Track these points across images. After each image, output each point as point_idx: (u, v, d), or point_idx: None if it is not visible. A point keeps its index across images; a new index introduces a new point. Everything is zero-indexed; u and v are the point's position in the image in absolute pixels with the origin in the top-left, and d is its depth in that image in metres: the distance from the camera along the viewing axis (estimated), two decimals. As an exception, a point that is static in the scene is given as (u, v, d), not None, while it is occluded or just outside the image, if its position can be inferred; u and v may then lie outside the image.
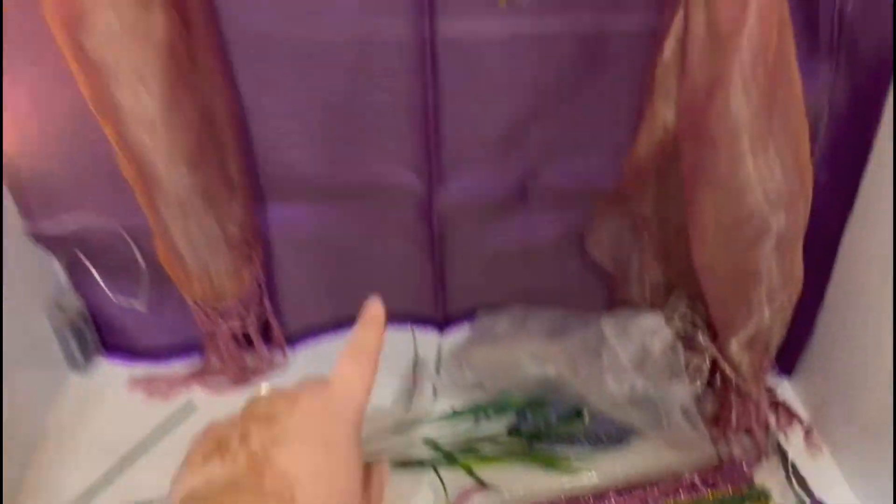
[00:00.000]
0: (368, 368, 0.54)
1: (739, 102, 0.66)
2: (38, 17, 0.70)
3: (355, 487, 0.48)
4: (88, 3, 0.64)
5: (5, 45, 0.75)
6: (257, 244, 0.91)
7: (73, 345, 0.98)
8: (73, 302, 0.97)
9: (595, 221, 0.94)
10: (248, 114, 0.83)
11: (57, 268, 0.97)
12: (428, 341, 1.05)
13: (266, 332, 0.99)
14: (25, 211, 0.89)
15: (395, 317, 1.06)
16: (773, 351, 0.84)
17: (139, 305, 0.96)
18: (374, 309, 0.59)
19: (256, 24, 0.77)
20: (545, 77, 0.83)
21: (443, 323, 1.06)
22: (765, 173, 0.70)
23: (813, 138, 0.83)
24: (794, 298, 0.80)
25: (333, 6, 0.75)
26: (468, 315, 1.06)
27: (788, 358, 0.95)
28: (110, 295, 0.96)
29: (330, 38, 0.78)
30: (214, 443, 0.46)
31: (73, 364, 1.00)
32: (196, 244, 0.81)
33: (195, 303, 0.88)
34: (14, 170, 0.85)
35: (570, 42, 0.81)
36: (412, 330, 1.07)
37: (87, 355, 1.01)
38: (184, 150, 0.73)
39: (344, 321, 1.05)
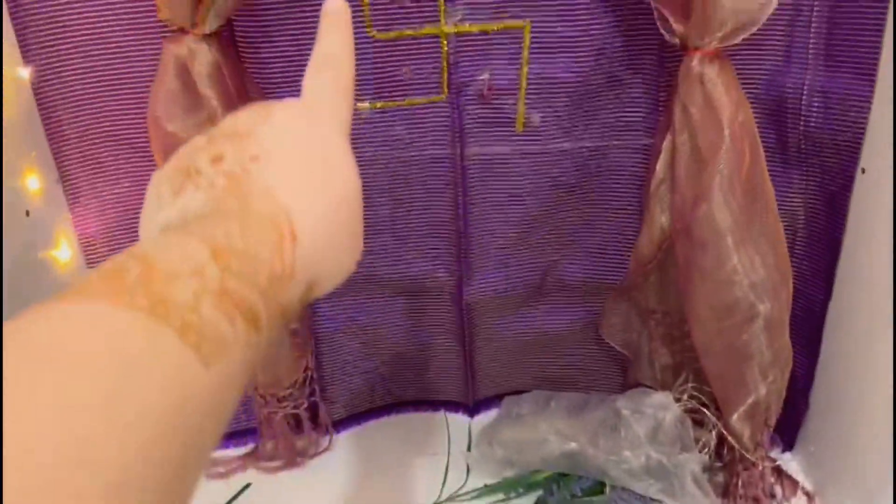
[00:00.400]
0: (342, 72, 0.43)
1: (722, 211, 0.80)
2: (134, 143, 0.86)
3: (355, 204, 0.41)
4: (183, 135, 0.80)
5: (88, 170, 0.91)
6: (311, 336, 1.03)
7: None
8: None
9: (607, 311, 1.06)
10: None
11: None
12: (460, 424, 1.15)
13: (313, 417, 1.10)
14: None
15: (429, 402, 1.17)
16: (772, 423, 0.94)
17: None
18: (333, 4, 0.44)
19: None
20: (557, 187, 0.98)
21: (473, 407, 1.17)
22: (748, 267, 0.82)
23: (793, 234, 0.97)
24: (787, 374, 0.91)
25: (387, 136, 0.91)
26: (496, 399, 1.16)
27: (789, 432, 1.05)
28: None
29: (380, 158, 0.94)
30: (182, 172, 0.38)
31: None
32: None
33: (257, 390, 1.00)
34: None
35: (577, 158, 0.96)
36: (444, 415, 1.17)
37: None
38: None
39: (384, 407, 1.16)
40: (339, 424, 1.14)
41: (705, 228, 0.81)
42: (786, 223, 0.95)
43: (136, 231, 0.85)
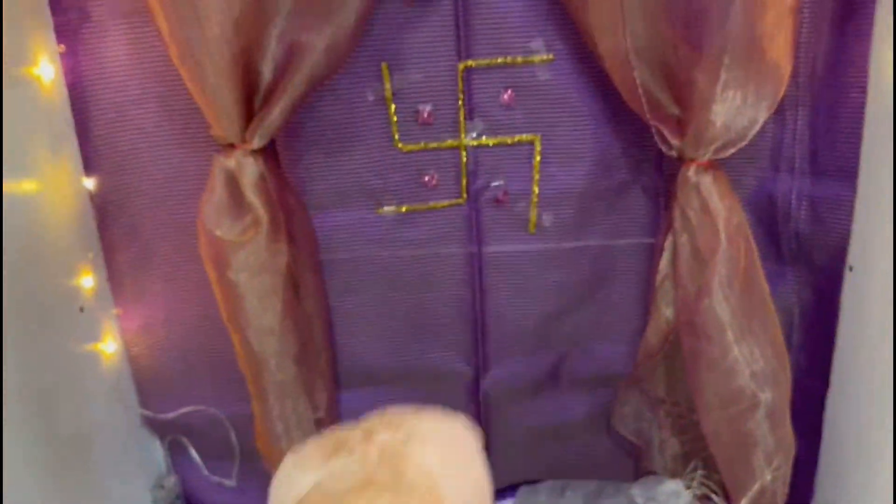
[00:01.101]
0: None
1: (722, 306, 0.87)
2: (180, 247, 0.94)
3: (488, 490, 0.45)
4: (231, 246, 0.88)
5: (154, 269, 0.99)
6: (336, 423, 1.08)
7: (169, 521, 1.12)
8: (172, 482, 1.13)
9: (618, 401, 1.11)
10: (336, 316, 1.04)
11: (160, 450, 1.14)
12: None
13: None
14: (143, 402, 1.08)
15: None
16: (778, 508, 0.98)
17: (230, 482, 1.12)
18: None
19: (345, 250, 1.02)
20: (568, 283, 1.05)
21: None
22: (749, 358, 0.89)
23: (790, 328, 1.04)
24: (791, 461, 0.96)
25: (411, 236, 1.00)
26: (512, 488, 1.19)
27: (797, 519, 1.08)
28: (205, 472, 1.12)
29: (402, 258, 1.02)
30: (334, 443, 0.43)
31: (167, 538, 1.13)
32: (290, 424, 0.99)
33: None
34: (140, 367, 1.05)
35: (586, 256, 1.04)
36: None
37: (179, 530, 1.14)
38: (291, 350, 0.93)
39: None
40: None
41: (708, 322, 0.88)
42: (783, 318, 1.02)
43: (177, 326, 0.92)
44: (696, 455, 1.06)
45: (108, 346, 0.99)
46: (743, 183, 1.00)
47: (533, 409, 1.14)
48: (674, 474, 1.09)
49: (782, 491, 0.97)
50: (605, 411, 1.13)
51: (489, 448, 1.14)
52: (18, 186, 0.83)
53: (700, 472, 1.04)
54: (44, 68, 0.86)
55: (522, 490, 1.16)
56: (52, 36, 0.87)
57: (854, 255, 0.95)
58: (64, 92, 0.89)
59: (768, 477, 0.95)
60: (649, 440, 1.11)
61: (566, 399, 1.13)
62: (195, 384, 1.07)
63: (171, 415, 1.08)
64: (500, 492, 1.20)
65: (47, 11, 0.86)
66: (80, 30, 0.88)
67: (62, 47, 0.88)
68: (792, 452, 0.96)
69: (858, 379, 0.96)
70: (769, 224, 1.01)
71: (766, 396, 0.91)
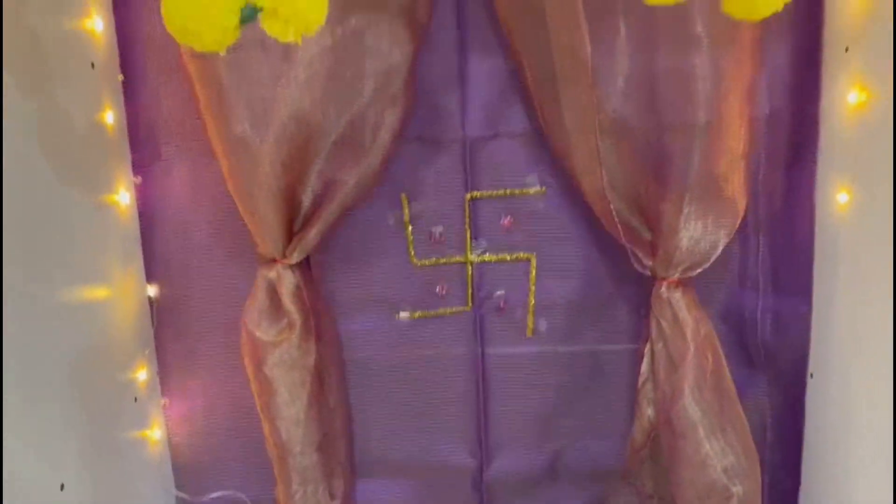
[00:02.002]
0: None
1: (692, 407, 0.99)
2: (221, 346, 1.08)
3: None
4: (268, 346, 1.03)
5: (198, 364, 1.14)
6: (351, 510, 1.19)
7: None
8: (199, 562, 1.23)
9: (610, 496, 1.21)
10: (355, 410, 1.17)
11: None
12: None
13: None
14: (179, 483, 1.20)
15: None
16: None
17: (253, 564, 1.21)
18: None
19: (365, 351, 1.16)
20: (562, 383, 1.18)
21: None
22: (720, 454, 1.00)
23: (763, 429, 1.15)
24: (765, 553, 1.05)
25: (423, 339, 1.14)
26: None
27: None
28: (232, 554, 1.22)
29: (415, 359, 1.16)
30: None
31: None
32: (311, 509, 1.10)
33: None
34: (179, 453, 1.18)
35: (578, 359, 1.17)
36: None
37: None
38: (314, 439, 1.06)
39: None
40: None
41: (681, 421, 1.00)
42: (756, 418, 1.14)
43: (214, 416, 1.05)
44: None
45: (155, 432, 1.12)
46: (715, 298, 1.14)
47: (533, 502, 1.23)
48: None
49: (758, 581, 1.05)
50: (598, 504, 1.23)
51: (492, 538, 1.23)
52: (93, 292, 0.99)
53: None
54: (122, 196, 1.04)
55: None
56: (130, 170, 1.06)
57: (814, 363, 1.08)
58: (136, 215, 1.07)
59: (743, 566, 1.03)
60: (639, 533, 1.20)
61: (563, 492, 1.23)
62: (227, 470, 1.19)
63: (203, 499, 1.20)
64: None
65: (128, 150, 1.05)
66: (152, 165, 1.07)
67: (138, 179, 1.06)
68: (765, 544, 1.05)
69: (825, 476, 1.07)
70: (740, 335, 1.14)
71: (737, 490, 1.01)
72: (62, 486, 0.84)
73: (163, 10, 0.66)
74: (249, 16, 0.66)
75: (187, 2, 0.65)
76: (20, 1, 0.82)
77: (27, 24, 0.83)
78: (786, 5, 0.69)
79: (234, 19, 0.66)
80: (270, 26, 0.67)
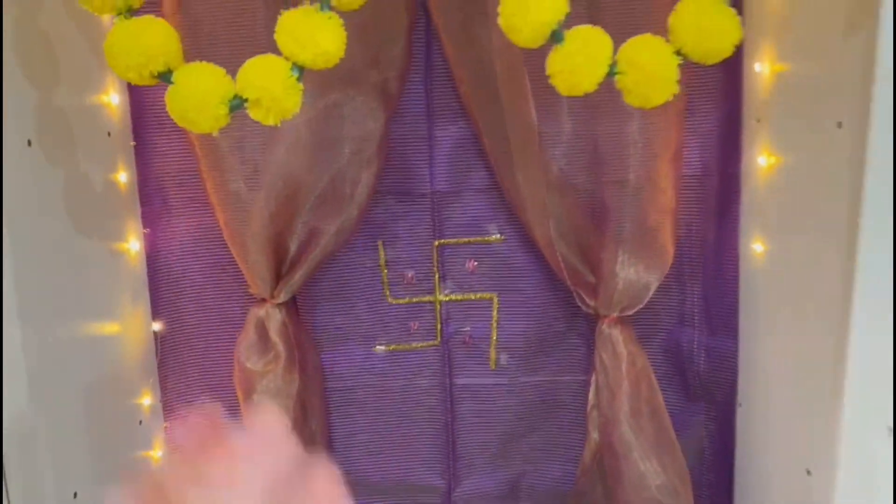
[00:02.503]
0: None
1: (628, 432, 1.13)
2: (216, 375, 1.23)
3: None
4: (256, 375, 1.17)
5: (196, 391, 1.28)
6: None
7: None
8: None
9: (567, 513, 1.34)
10: (334, 434, 1.31)
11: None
12: None
13: None
14: None
15: None
16: None
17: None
18: None
19: (345, 380, 1.30)
20: (522, 410, 1.31)
21: None
22: (653, 474, 1.13)
23: (700, 452, 1.27)
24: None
25: (394, 371, 1.28)
26: None
27: None
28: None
29: (390, 388, 1.30)
30: None
31: None
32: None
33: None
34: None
35: (536, 388, 1.31)
36: None
37: None
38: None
39: None
40: None
41: (620, 444, 1.13)
42: (694, 444, 1.27)
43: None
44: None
45: (158, 453, 1.26)
46: (657, 335, 1.28)
47: (499, 521, 1.36)
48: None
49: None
50: (556, 523, 1.35)
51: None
52: (105, 327, 1.14)
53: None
54: (132, 244, 1.20)
55: None
56: (140, 221, 1.22)
57: (741, 393, 1.21)
58: (144, 260, 1.22)
59: (679, 578, 1.16)
60: (594, 549, 1.32)
61: (527, 512, 1.36)
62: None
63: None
64: None
65: (138, 204, 1.21)
66: (159, 216, 1.23)
67: (146, 230, 1.22)
68: (700, 558, 1.17)
69: (753, 495, 1.19)
70: (679, 368, 1.28)
71: (670, 506, 1.14)
72: (75, 495, 0.98)
73: (167, 101, 0.82)
74: (237, 105, 0.82)
75: (186, 94, 0.81)
76: (52, 81, 0.98)
77: (56, 100, 0.99)
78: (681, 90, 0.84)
79: (225, 108, 0.82)
80: (255, 113, 0.83)
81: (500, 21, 0.81)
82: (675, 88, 0.82)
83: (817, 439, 0.95)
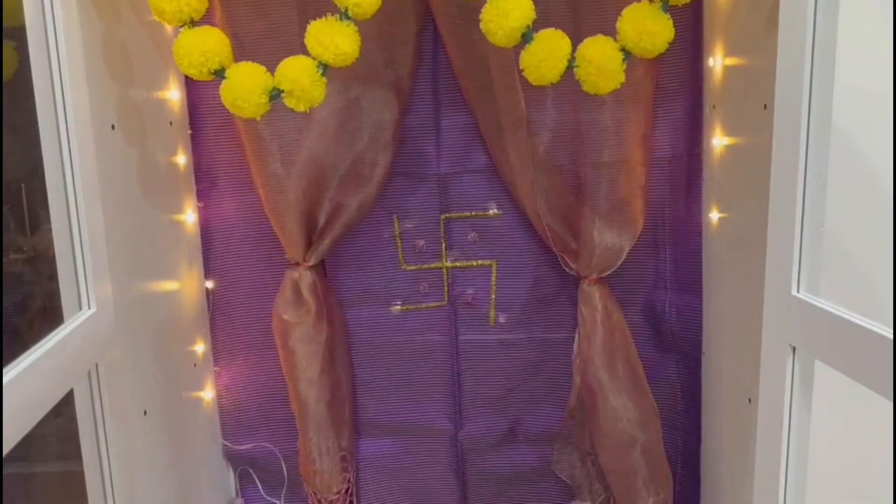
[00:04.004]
0: None
1: (601, 372, 1.32)
2: (258, 327, 1.46)
3: None
4: (291, 325, 1.40)
5: (241, 341, 1.51)
6: (353, 460, 1.53)
7: (233, 531, 1.57)
8: (239, 502, 1.59)
9: (556, 453, 1.53)
10: (357, 380, 1.53)
11: (232, 478, 1.60)
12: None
13: (352, 524, 1.56)
14: (224, 435, 1.56)
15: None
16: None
17: (278, 501, 1.57)
18: None
19: (366, 337, 1.52)
20: (518, 362, 1.52)
21: (466, 529, 1.60)
22: (624, 409, 1.33)
23: (673, 395, 1.46)
24: (669, 490, 1.36)
25: (407, 328, 1.50)
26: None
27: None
28: (263, 493, 1.57)
29: (403, 342, 1.51)
30: None
31: (230, 545, 1.58)
32: (322, 452, 1.45)
33: (314, 494, 1.49)
34: (225, 411, 1.55)
35: (531, 343, 1.51)
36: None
37: (239, 540, 1.59)
38: (326, 397, 1.42)
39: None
40: (369, 534, 1.60)
41: (593, 382, 1.33)
42: (668, 390, 1.46)
43: (253, 381, 1.43)
44: (609, 491, 1.46)
45: (208, 393, 1.49)
46: (636, 297, 1.47)
47: (497, 458, 1.56)
48: (593, 499, 1.48)
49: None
50: (549, 461, 1.55)
51: (465, 486, 1.56)
52: (168, 286, 1.38)
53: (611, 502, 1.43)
54: (189, 215, 1.44)
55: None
56: (195, 197, 1.46)
57: (706, 344, 1.40)
58: (198, 229, 1.46)
59: (650, 500, 1.35)
60: (580, 484, 1.52)
61: (521, 451, 1.56)
62: (261, 426, 1.56)
63: (242, 447, 1.56)
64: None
65: (194, 183, 1.45)
66: (211, 193, 1.47)
67: (202, 204, 1.46)
68: (669, 484, 1.37)
69: (719, 436, 1.37)
70: (654, 324, 1.47)
71: (640, 437, 1.33)
72: (145, 412, 1.22)
73: (221, 92, 1.05)
74: (275, 96, 1.05)
75: (236, 88, 1.04)
76: (128, 78, 1.22)
77: (131, 94, 1.23)
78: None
79: (266, 97, 1.05)
80: (289, 101, 1.06)
81: (482, 26, 1.02)
82: (621, 78, 1.03)
83: (756, 374, 1.14)
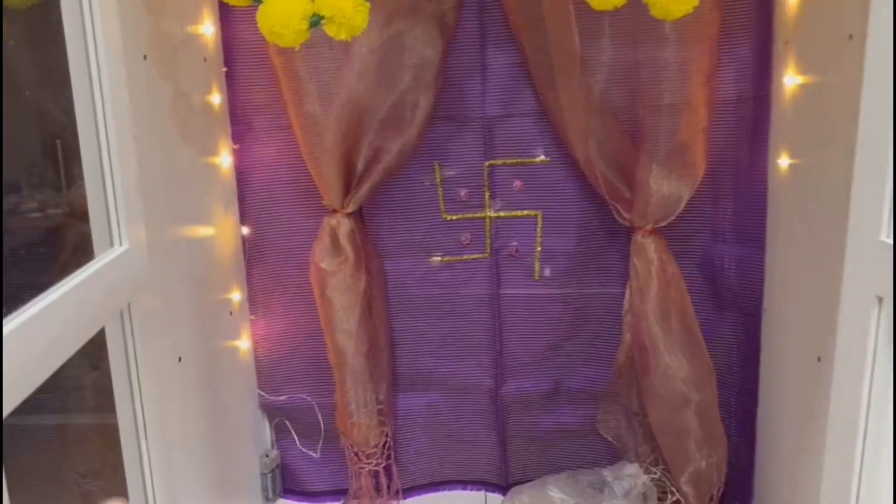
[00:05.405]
0: None
1: (655, 327, 1.25)
2: (295, 276, 1.41)
3: None
4: (329, 274, 1.34)
5: (278, 289, 1.47)
6: (391, 414, 1.49)
7: (269, 485, 1.54)
8: (275, 453, 1.56)
9: (602, 412, 1.47)
10: (395, 333, 1.48)
11: (268, 429, 1.57)
12: (495, 501, 1.54)
13: (389, 478, 1.52)
14: (260, 385, 1.53)
15: (472, 482, 1.57)
16: (716, 495, 1.30)
17: (315, 455, 1.54)
18: None
19: (404, 290, 1.46)
20: (563, 318, 1.45)
21: (505, 487, 1.55)
22: (678, 367, 1.25)
23: (728, 354, 1.38)
24: (723, 453, 1.29)
25: (448, 280, 1.44)
26: (522, 482, 1.55)
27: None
28: (299, 445, 1.54)
29: (444, 295, 1.45)
30: None
31: (266, 497, 1.55)
32: (360, 405, 1.41)
33: (351, 447, 1.45)
34: (261, 361, 1.51)
35: (576, 298, 1.44)
36: (484, 494, 1.56)
37: (275, 493, 1.56)
38: (363, 348, 1.37)
39: (440, 482, 1.57)
40: (406, 491, 1.56)
41: (646, 337, 1.26)
42: (724, 349, 1.38)
43: (290, 331, 1.38)
44: (657, 451, 1.39)
45: (243, 343, 1.45)
46: (692, 250, 1.38)
47: (539, 416, 1.51)
48: (640, 463, 1.42)
49: (717, 478, 1.30)
50: (593, 420, 1.49)
51: (505, 445, 1.51)
52: (203, 231, 1.33)
53: (659, 459, 1.37)
54: (224, 158, 1.38)
55: (511, 491, 1.50)
56: (230, 138, 1.40)
57: (767, 301, 1.31)
58: (234, 173, 1.41)
59: (703, 463, 1.28)
60: (626, 444, 1.46)
61: (564, 409, 1.50)
62: (297, 376, 1.52)
63: (278, 398, 1.53)
64: (515, 485, 1.56)
65: (229, 124, 1.39)
66: (246, 135, 1.41)
67: (236, 146, 1.40)
68: (723, 446, 1.30)
69: (780, 397, 1.29)
70: (711, 279, 1.38)
71: (694, 397, 1.26)
72: (180, 359, 1.18)
73: (258, 18, 0.98)
74: (315, 22, 0.98)
75: (274, 13, 0.97)
76: (160, 12, 1.16)
77: (164, 28, 1.17)
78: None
79: (306, 23, 0.97)
80: (329, 29, 0.98)
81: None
82: (695, 2, 0.93)
83: (825, 330, 1.05)
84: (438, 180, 1.42)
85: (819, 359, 1.09)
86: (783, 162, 1.22)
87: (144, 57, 1.07)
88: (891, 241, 0.84)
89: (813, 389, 1.12)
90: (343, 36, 0.98)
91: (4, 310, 0.74)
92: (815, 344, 1.11)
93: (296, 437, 1.55)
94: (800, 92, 1.17)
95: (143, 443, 1.06)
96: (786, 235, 1.24)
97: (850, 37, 0.97)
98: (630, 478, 1.33)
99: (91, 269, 0.88)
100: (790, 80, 1.19)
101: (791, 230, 1.22)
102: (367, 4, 0.97)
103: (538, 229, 1.42)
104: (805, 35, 1.15)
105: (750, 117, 1.30)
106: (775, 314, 1.29)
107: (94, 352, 1.06)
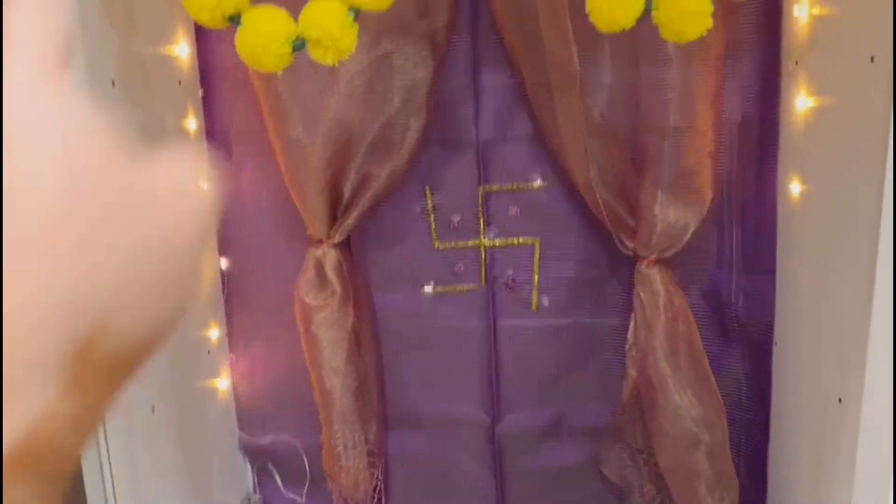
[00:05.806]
0: None
1: (663, 364, 1.18)
2: (278, 311, 1.32)
3: None
4: (314, 309, 1.26)
5: (259, 326, 1.38)
6: (381, 455, 1.40)
7: (251, 529, 1.45)
8: (257, 499, 1.47)
9: (605, 451, 1.39)
10: (385, 370, 1.39)
11: (249, 473, 1.48)
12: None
13: (380, 524, 1.43)
14: (241, 426, 1.44)
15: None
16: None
17: (300, 500, 1.44)
18: None
19: (395, 323, 1.38)
20: (563, 351, 1.37)
21: (504, 529, 1.47)
22: (688, 406, 1.18)
23: (738, 391, 1.32)
24: (734, 495, 1.21)
25: (441, 312, 1.36)
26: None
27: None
28: (283, 490, 1.45)
29: (437, 328, 1.37)
30: None
31: (248, 544, 1.46)
32: (349, 447, 1.32)
33: (340, 492, 1.36)
34: (241, 401, 1.42)
35: (577, 330, 1.36)
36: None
37: (257, 538, 1.47)
38: (351, 387, 1.28)
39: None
40: (399, 534, 1.47)
41: (653, 375, 1.19)
42: (732, 384, 1.31)
43: (272, 370, 1.28)
44: (664, 493, 1.32)
45: (223, 382, 1.36)
46: (696, 279, 1.32)
47: (538, 454, 1.43)
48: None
49: (730, 523, 1.22)
50: (596, 459, 1.41)
51: (503, 487, 1.43)
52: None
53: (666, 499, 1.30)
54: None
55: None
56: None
57: (778, 333, 1.25)
58: (211, 203, 1.32)
59: (712, 505, 1.21)
60: (631, 484, 1.38)
61: (565, 447, 1.42)
62: (281, 417, 1.43)
63: (260, 440, 1.43)
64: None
65: (206, 149, 1.31)
66: (225, 162, 1.32)
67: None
68: (735, 488, 1.22)
69: (796, 437, 1.23)
70: (717, 310, 1.32)
71: (705, 437, 1.19)
72: (153, 408, 1.09)
73: (236, 42, 0.90)
74: (299, 46, 0.90)
75: (253, 35, 0.89)
76: (130, 32, 1.08)
77: (134, 49, 1.08)
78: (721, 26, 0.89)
79: (288, 48, 0.89)
80: (315, 53, 0.91)
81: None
82: (709, 23, 0.87)
83: (848, 369, 0.99)
84: (430, 207, 1.34)
85: (840, 400, 1.02)
86: (794, 188, 1.16)
87: (113, 83, 0.99)
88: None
89: (832, 430, 1.06)
90: (329, 60, 0.90)
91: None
92: (834, 383, 1.04)
93: (279, 481, 1.46)
94: (812, 115, 1.11)
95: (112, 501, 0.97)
96: (799, 265, 1.17)
97: (872, 59, 0.91)
98: (637, 522, 1.25)
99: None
100: (802, 102, 1.12)
101: (805, 259, 1.15)
102: (356, 25, 0.89)
103: (536, 258, 1.35)
104: (818, 55, 1.09)
105: (755, 141, 1.23)
106: (788, 349, 1.22)
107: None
